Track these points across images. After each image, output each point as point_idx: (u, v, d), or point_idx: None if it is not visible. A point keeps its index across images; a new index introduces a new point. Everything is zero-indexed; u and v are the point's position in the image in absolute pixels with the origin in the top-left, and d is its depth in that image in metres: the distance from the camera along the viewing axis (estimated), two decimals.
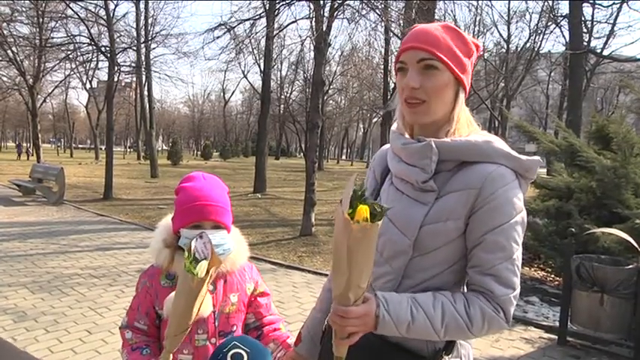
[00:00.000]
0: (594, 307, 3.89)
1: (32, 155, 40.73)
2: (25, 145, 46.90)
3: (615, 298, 3.82)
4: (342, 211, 0.97)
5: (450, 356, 1.14)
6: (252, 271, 1.69)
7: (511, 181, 1.09)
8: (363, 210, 0.96)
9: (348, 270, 0.99)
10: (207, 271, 1.30)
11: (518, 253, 1.09)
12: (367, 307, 1.03)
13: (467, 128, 1.18)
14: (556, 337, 4.10)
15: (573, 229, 4.26)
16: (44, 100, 29.72)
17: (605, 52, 20.64)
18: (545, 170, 8.47)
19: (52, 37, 18.31)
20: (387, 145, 1.32)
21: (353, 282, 1.00)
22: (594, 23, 21.59)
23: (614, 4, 17.51)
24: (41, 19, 17.52)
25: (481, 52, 1.22)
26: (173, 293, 1.40)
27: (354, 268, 0.98)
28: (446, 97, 1.13)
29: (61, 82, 29.43)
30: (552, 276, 6.04)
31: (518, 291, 1.09)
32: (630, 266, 3.90)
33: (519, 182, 1.11)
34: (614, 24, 21.38)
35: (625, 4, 16.46)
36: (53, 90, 31.02)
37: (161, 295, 1.50)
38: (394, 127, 1.27)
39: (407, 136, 1.21)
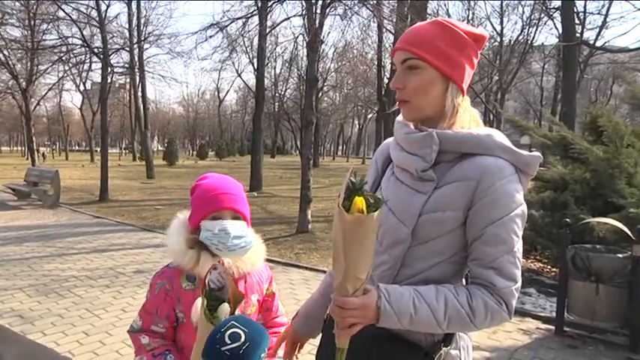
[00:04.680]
0: (590, 296, 3.91)
1: (45, 158, 41.11)
2: (42, 148, 47.16)
3: (610, 287, 3.84)
4: (338, 203, 0.99)
5: (448, 348, 1.15)
6: (267, 270, 1.66)
7: (510, 174, 1.10)
8: (359, 201, 0.97)
9: (344, 261, 1.00)
10: (233, 312, 1.26)
11: (518, 246, 1.10)
12: (367, 298, 1.03)
13: (468, 123, 1.18)
14: (553, 327, 4.12)
15: (568, 220, 4.28)
16: (38, 103, 29.58)
17: (598, 44, 20.74)
18: None
19: (44, 40, 18.24)
20: (391, 139, 1.34)
21: (350, 273, 1.00)
22: (587, 15, 21.71)
23: None
24: (33, 22, 17.42)
25: (487, 38, 1.21)
26: (200, 300, 1.32)
27: (350, 259, 0.99)
28: (432, 94, 1.14)
29: (54, 84, 29.44)
30: (549, 267, 6.06)
31: (519, 283, 1.10)
32: (624, 255, 3.92)
33: (519, 177, 1.12)
34: (606, 15, 21.51)
35: None
36: (47, 93, 30.97)
37: (183, 299, 1.46)
38: (400, 117, 1.28)
39: (411, 126, 1.23)
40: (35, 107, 27.03)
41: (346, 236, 0.98)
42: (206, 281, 1.28)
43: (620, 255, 3.95)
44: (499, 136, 1.15)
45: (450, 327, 1.08)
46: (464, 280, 1.20)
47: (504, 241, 1.07)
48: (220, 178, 1.56)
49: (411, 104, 1.15)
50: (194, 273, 1.45)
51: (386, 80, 17.61)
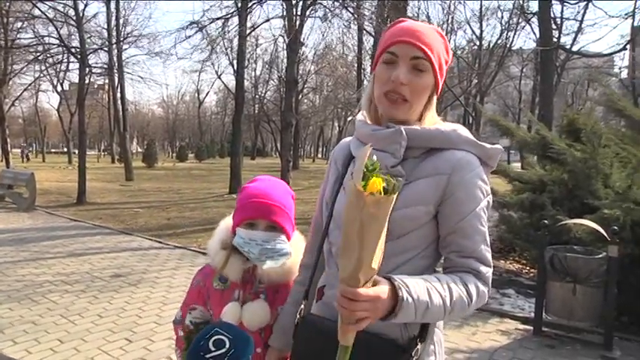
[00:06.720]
0: (567, 296, 3.95)
1: (29, 159, 40.42)
2: (25, 150, 46.64)
3: (587, 287, 3.89)
4: (354, 184, 0.91)
5: (424, 343, 1.15)
6: None
7: (477, 167, 1.15)
8: (377, 182, 0.90)
9: (359, 248, 0.92)
10: None
11: (487, 230, 1.16)
12: (380, 289, 0.96)
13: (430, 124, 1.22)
14: (532, 327, 4.16)
15: (546, 221, 4.33)
16: (12, 104, 28.94)
17: (574, 48, 21.21)
18: (519, 165, 8.61)
19: (19, 38, 17.87)
20: (348, 138, 1.34)
21: (364, 261, 0.92)
22: (563, 20, 22.19)
23: (580, 1, 17.99)
24: (5, 19, 17.01)
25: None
26: (231, 304, 1.42)
27: (366, 245, 0.92)
28: (424, 98, 1.17)
29: (30, 84, 28.85)
30: (527, 268, 6.14)
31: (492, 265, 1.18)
32: (600, 255, 3.98)
33: (483, 168, 1.17)
34: (581, 21, 22.04)
35: (590, 2, 16.99)
36: (22, 93, 30.38)
37: (212, 297, 1.49)
38: (359, 116, 1.28)
39: (370, 123, 1.24)
40: (10, 108, 26.45)
41: (364, 221, 0.91)
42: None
43: (595, 256, 4.01)
44: (463, 131, 1.19)
45: (452, 313, 1.07)
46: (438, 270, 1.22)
47: (479, 232, 1.13)
48: (267, 184, 1.50)
49: (409, 105, 1.15)
50: (225, 274, 1.47)
51: (366, 82, 17.67)
